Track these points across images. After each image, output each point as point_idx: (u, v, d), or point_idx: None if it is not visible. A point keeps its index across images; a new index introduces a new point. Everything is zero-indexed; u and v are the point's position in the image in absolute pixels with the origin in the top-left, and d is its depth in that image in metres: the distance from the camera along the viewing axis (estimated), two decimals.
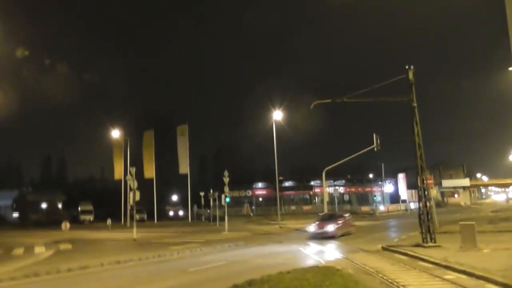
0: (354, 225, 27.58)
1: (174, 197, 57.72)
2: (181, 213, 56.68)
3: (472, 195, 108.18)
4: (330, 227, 24.01)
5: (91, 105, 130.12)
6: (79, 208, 55.04)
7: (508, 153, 74.23)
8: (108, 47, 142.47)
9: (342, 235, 24.09)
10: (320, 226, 24.41)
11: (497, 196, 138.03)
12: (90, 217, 53.29)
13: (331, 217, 26.26)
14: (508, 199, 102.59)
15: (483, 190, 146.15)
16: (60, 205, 61.95)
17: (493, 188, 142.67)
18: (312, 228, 25.11)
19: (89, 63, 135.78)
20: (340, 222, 25.10)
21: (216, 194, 39.97)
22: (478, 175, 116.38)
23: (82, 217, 53.08)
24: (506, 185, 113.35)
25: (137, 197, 26.48)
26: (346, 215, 28.17)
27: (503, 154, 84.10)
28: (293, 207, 64.25)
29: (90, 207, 54.84)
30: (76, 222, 48.33)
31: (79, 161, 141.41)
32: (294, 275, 10.46)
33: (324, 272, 10.98)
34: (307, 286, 9.11)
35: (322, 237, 23.07)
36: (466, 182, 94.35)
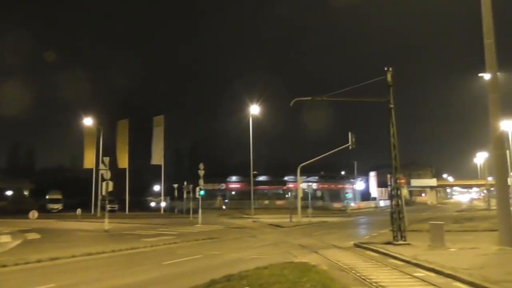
0: None
1: (157, 188, 56.64)
2: (163, 204, 56.03)
3: (438, 194, 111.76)
4: None
5: (63, 93, 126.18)
6: (47, 197, 53.57)
7: (473, 156, 77.00)
8: (84, 37, 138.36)
9: None
10: None
11: (461, 196, 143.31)
12: (59, 206, 52.01)
13: None
14: (471, 199, 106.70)
15: (448, 190, 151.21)
16: (27, 194, 60.07)
17: (457, 188, 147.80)
18: None
19: (64, 51, 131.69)
20: None
21: (191, 186, 39.78)
22: (445, 175, 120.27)
23: (50, 206, 51.72)
24: (470, 186, 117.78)
25: (110, 188, 26.04)
26: None
27: (468, 157, 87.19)
28: (266, 202, 64.59)
29: (58, 196, 53.48)
30: (43, 211, 47.02)
31: (49, 149, 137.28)
32: (271, 271, 10.57)
33: (301, 268, 11.14)
34: (285, 282, 9.22)
35: None
36: (433, 182, 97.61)
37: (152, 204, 57.10)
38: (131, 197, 54.76)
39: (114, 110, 59.55)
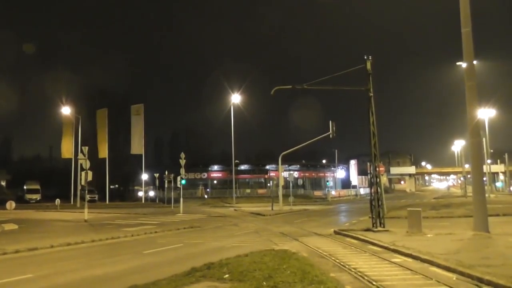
0: None
1: (145, 177, 56.01)
2: (151, 193, 55.18)
3: (417, 182, 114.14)
4: None
5: (40, 82, 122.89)
6: (25, 187, 52.42)
7: (451, 144, 78.65)
8: (62, 27, 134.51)
9: None
10: None
11: (439, 183, 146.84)
12: (37, 197, 50.92)
13: None
14: (448, 187, 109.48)
15: (426, 177, 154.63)
16: (4, 184, 58.65)
17: (435, 176, 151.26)
18: None
19: (41, 41, 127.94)
20: None
21: (172, 176, 39.55)
22: (423, 163, 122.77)
23: (28, 196, 50.59)
24: (447, 174, 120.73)
25: (90, 177, 25.66)
26: None
27: (446, 145, 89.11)
28: (248, 191, 64.85)
29: (36, 186, 52.31)
30: (21, 201, 46.05)
31: (26, 139, 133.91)
32: (252, 258, 10.64)
33: (281, 255, 11.24)
34: (265, 269, 9.29)
35: None
36: (412, 169, 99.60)
37: (140, 193, 56.02)
38: (119, 187, 54.04)
39: (93, 99, 58.19)
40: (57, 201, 38.81)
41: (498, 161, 77.92)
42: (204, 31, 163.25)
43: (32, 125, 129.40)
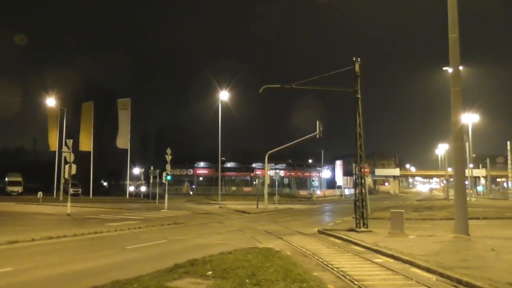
0: None
1: (136, 171, 54.88)
2: (143, 189, 54.58)
3: (401, 184, 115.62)
4: None
5: (25, 73, 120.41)
6: (6, 179, 51.52)
7: (435, 147, 79.76)
8: (54, 16, 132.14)
9: None
10: None
11: (422, 186, 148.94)
12: (19, 189, 50.14)
13: None
14: (431, 189, 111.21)
15: (410, 180, 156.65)
16: None
17: (419, 178, 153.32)
18: None
19: (32, 31, 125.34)
20: None
21: (157, 171, 39.32)
22: (407, 165, 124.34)
23: (10, 188, 49.79)
24: (431, 176, 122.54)
25: (74, 171, 25.35)
26: None
27: (430, 148, 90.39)
28: (233, 188, 64.91)
29: (18, 178, 51.49)
30: (3, 194, 45.33)
31: (9, 130, 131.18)
32: (235, 256, 10.66)
33: (265, 253, 11.28)
34: (248, 267, 9.32)
35: None
36: (396, 171, 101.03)
37: (131, 188, 55.27)
38: (109, 181, 53.36)
39: (80, 92, 57.26)
40: (40, 194, 38.24)
41: (480, 165, 79.37)
42: (198, 29, 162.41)
43: (16, 117, 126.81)
